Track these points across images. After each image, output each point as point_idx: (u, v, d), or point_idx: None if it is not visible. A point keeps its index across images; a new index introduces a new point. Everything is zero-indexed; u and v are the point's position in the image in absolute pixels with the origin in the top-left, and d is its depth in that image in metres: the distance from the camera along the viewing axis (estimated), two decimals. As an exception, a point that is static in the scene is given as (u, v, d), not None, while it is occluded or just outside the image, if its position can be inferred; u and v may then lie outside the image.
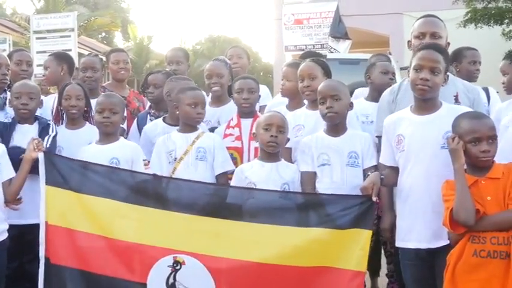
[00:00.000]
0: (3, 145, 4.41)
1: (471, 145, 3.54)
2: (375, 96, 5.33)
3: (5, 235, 4.25)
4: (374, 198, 3.77)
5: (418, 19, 4.49)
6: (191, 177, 4.48)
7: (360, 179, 4.23)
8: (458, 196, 3.45)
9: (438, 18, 4.46)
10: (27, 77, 5.61)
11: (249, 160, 4.85)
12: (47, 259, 4.21)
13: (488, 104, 5.65)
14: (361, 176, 4.29)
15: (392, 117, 4.08)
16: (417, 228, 3.83)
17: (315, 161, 4.40)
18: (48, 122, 4.84)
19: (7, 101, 5.02)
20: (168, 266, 4.00)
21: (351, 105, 4.47)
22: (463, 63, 6.00)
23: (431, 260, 3.80)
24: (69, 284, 4.19)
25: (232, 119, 5.13)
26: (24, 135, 4.56)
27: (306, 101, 4.99)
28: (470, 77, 5.63)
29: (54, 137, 4.70)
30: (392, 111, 4.30)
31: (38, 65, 6.47)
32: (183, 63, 6.48)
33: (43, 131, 4.71)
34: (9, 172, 4.31)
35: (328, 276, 3.84)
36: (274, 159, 4.44)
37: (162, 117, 5.29)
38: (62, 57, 6.29)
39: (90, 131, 5.01)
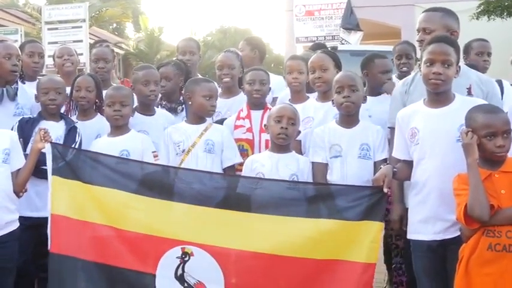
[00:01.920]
0: (15, 133, 4.44)
1: (486, 140, 3.51)
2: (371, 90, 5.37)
3: (16, 225, 4.28)
4: (385, 190, 3.76)
5: None
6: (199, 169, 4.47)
7: (370, 171, 4.24)
8: (472, 191, 3.42)
9: (440, 10, 4.41)
10: (39, 69, 5.61)
11: (259, 150, 4.86)
12: (50, 253, 4.22)
13: (502, 97, 5.62)
14: (372, 168, 4.30)
15: (405, 110, 4.07)
16: (431, 221, 3.82)
17: (327, 152, 4.41)
18: (75, 124, 4.85)
19: (17, 92, 5.04)
20: (177, 257, 4.01)
21: (364, 98, 4.49)
22: (471, 54, 5.96)
23: (442, 252, 3.80)
24: (76, 274, 4.22)
25: (242, 110, 5.13)
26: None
27: (311, 94, 5.01)
28: (479, 68, 5.60)
29: (80, 143, 4.73)
30: (405, 103, 4.30)
31: (49, 56, 6.46)
32: (196, 54, 6.45)
33: (70, 134, 4.73)
34: (20, 162, 4.32)
35: (338, 269, 3.85)
36: (285, 151, 4.45)
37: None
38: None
39: (100, 122, 5.03)
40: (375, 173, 4.19)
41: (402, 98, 4.42)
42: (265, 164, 4.40)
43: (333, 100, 4.50)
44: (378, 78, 5.31)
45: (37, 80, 5.18)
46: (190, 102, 4.86)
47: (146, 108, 5.14)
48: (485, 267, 3.42)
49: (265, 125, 4.63)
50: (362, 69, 5.59)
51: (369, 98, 5.19)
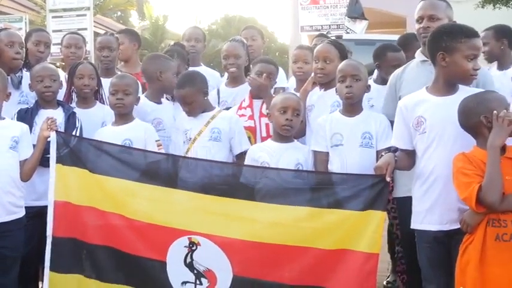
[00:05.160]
0: (26, 125, 4.46)
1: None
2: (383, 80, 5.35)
3: (22, 213, 4.33)
4: (388, 178, 3.75)
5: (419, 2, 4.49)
6: (204, 158, 4.49)
7: (372, 160, 4.21)
8: (490, 176, 3.39)
9: (442, 0, 4.42)
10: (43, 59, 5.59)
11: (261, 136, 4.88)
12: (53, 237, 4.27)
13: None
14: (375, 157, 4.28)
15: (408, 99, 4.03)
16: (439, 210, 3.78)
17: (328, 141, 4.40)
18: (73, 110, 4.87)
19: (22, 80, 5.06)
20: (185, 247, 4.04)
21: (368, 88, 4.47)
22: None
23: (448, 243, 3.77)
24: (84, 257, 4.29)
25: (244, 100, 5.15)
26: None
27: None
28: None
29: (81, 128, 4.76)
30: (396, 96, 4.39)
31: (54, 44, 6.44)
32: (200, 41, 6.49)
33: (70, 120, 4.75)
34: (28, 152, 4.36)
35: (342, 258, 3.84)
36: (288, 140, 4.45)
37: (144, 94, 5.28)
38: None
39: (100, 110, 5.09)
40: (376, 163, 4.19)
41: (391, 91, 4.55)
42: (268, 154, 4.39)
43: (336, 88, 4.49)
44: (390, 72, 5.16)
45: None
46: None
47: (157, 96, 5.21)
48: (496, 258, 3.40)
49: (268, 113, 4.62)
50: (374, 60, 5.61)
51: (377, 87, 5.19)
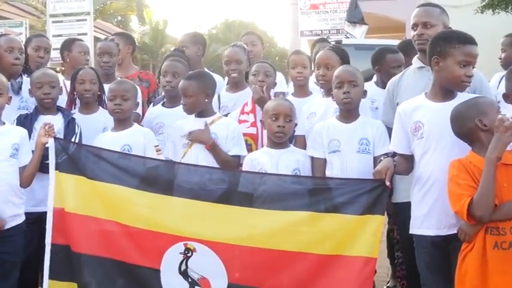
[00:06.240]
0: (25, 130, 4.46)
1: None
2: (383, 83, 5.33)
3: (21, 219, 4.33)
4: (387, 183, 3.75)
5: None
6: (199, 162, 4.48)
7: (370, 166, 4.22)
8: (482, 191, 3.36)
9: (436, 5, 4.46)
10: (43, 64, 5.59)
11: (262, 145, 4.86)
12: (52, 244, 4.26)
13: None
14: (372, 163, 4.27)
15: (407, 104, 4.04)
16: (436, 215, 3.78)
17: (325, 147, 4.39)
18: (73, 116, 4.87)
19: (22, 85, 5.06)
20: (180, 253, 4.03)
21: (364, 93, 4.47)
22: None
23: (446, 248, 3.77)
24: (83, 269, 4.23)
25: (246, 105, 5.13)
26: None
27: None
28: None
29: (80, 134, 4.76)
30: (394, 102, 4.39)
31: (54, 49, 6.44)
32: (188, 47, 6.41)
33: (69, 126, 4.75)
34: (28, 158, 4.36)
35: (340, 264, 3.83)
36: (283, 146, 4.45)
37: (161, 102, 5.36)
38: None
39: (103, 115, 5.05)
40: (375, 168, 4.19)
41: (389, 97, 4.57)
42: (265, 161, 4.39)
43: (332, 95, 4.49)
44: (390, 74, 5.16)
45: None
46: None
47: (170, 100, 5.32)
48: (496, 266, 3.38)
49: (261, 121, 4.63)
50: (373, 65, 5.59)
51: (378, 90, 5.20)
